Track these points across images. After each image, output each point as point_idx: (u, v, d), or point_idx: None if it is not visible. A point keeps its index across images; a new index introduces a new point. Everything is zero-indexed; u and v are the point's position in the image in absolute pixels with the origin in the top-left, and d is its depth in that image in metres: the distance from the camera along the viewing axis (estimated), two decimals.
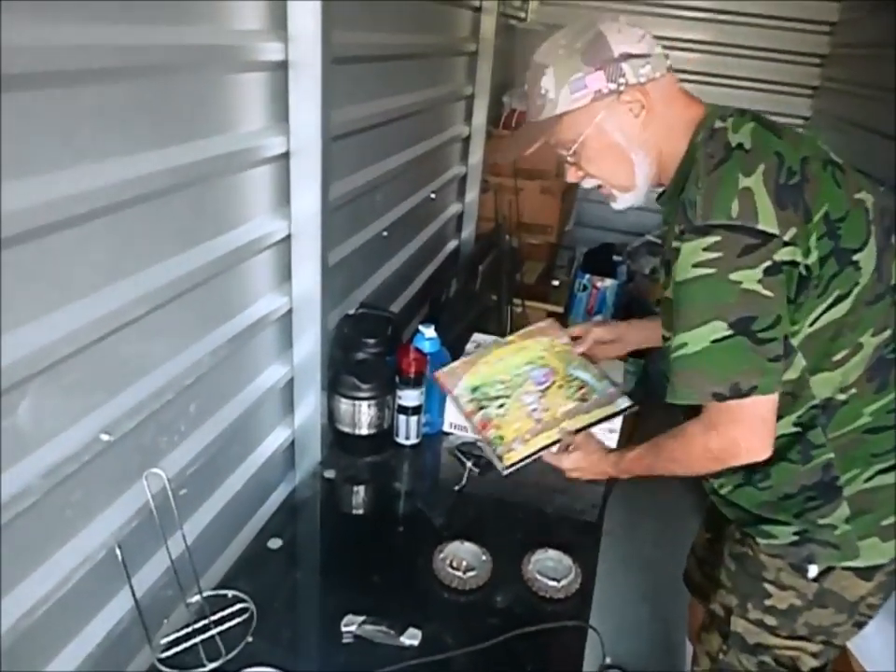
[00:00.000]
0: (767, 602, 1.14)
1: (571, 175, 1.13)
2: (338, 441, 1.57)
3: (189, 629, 1.08)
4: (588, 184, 1.13)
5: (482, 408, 1.32)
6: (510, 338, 1.50)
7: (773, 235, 0.91)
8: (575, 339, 1.50)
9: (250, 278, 1.29)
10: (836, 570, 1.09)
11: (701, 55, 3.33)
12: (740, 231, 0.91)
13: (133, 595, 1.00)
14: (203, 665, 1.03)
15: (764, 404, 0.96)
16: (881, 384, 1.03)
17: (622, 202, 1.12)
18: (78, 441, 0.89)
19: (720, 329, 0.92)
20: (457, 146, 2.61)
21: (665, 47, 1.06)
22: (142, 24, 0.89)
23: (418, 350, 1.52)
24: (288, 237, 1.32)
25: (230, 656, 1.04)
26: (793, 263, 0.93)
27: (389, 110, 1.70)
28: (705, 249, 0.92)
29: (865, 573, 1.09)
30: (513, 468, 1.21)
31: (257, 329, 1.30)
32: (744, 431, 0.98)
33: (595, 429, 1.34)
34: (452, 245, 2.71)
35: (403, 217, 1.98)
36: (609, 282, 2.97)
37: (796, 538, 1.09)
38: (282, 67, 1.19)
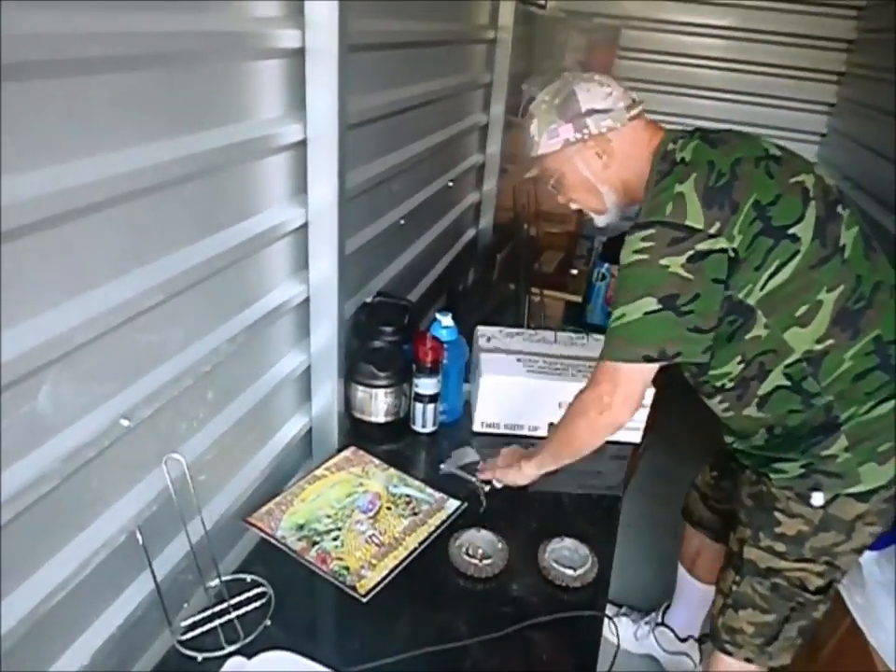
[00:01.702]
0: (777, 530, 1.29)
1: (560, 199, 1.39)
2: (354, 429, 1.57)
3: (209, 613, 1.10)
4: (572, 206, 1.39)
5: (315, 543, 1.25)
6: (320, 471, 1.45)
7: (697, 230, 1.10)
8: None
9: (267, 267, 1.30)
10: (839, 497, 1.23)
11: (724, 41, 3.27)
12: (670, 226, 1.11)
13: (154, 578, 1.02)
14: (223, 648, 1.04)
15: (646, 370, 1.16)
16: (853, 332, 1.18)
17: (599, 220, 1.39)
18: (98, 427, 0.90)
19: (651, 303, 1.11)
20: (475, 134, 2.60)
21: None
22: (158, 11, 0.89)
23: (435, 338, 1.52)
24: (305, 225, 1.32)
25: (248, 639, 1.06)
26: (721, 250, 1.11)
27: (406, 98, 1.69)
28: (642, 240, 1.12)
29: (862, 496, 1.23)
30: (372, 593, 1.16)
31: (274, 317, 1.31)
32: (616, 388, 1.17)
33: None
34: (470, 234, 2.70)
35: (421, 205, 1.97)
36: None
37: (803, 470, 1.24)
38: (299, 54, 1.19)
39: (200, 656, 1.03)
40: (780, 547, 1.29)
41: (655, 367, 1.16)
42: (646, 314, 1.11)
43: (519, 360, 1.65)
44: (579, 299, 2.78)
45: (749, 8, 3.21)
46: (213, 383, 1.17)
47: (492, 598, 1.20)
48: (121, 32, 0.83)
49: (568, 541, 1.29)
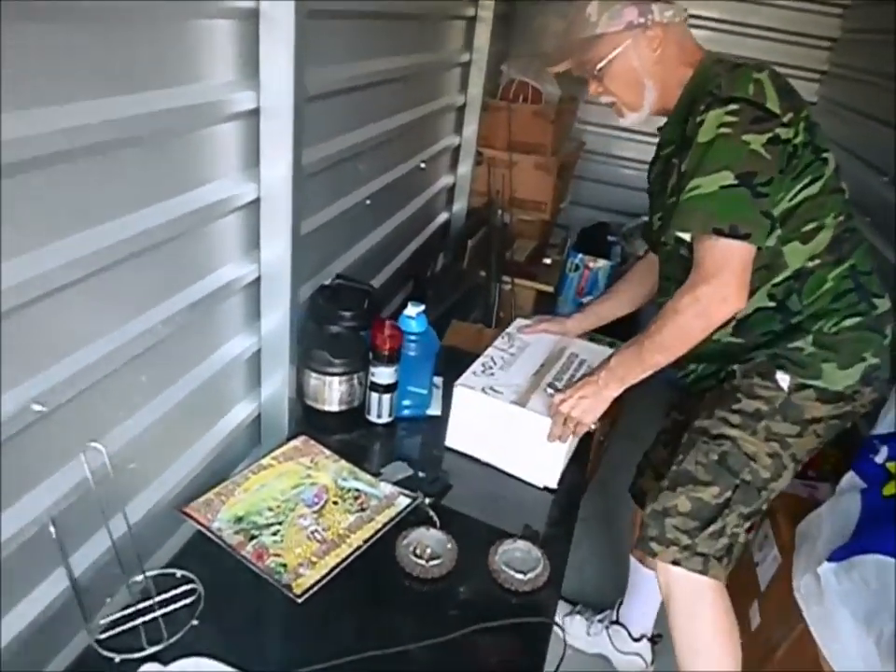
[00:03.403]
0: (735, 406, 1.31)
1: (592, 89, 1.35)
2: (307, 417, 1.50)
3: (132, 610, 1.03)
4: (604, 99, 1.36)
5: (253, 537, 1.19)
6: (266, 460, 1.37)
7: (776, 114, 1.15)
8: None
9: (214, 243, 1.22)
10: (804, 389, 1.27)
11: (710, 32, 3.21)
12: (753, 105, 1.15)
13: (70, 573, 0.95)
14: (144, 649, 0.97)
15: (749, 253, 1.16)
16: (839, 256, 1.27)
17: (628, 119, 1.36)
18: (6, 412, 0.82)
19: (728, 177, 1.13)
20: (451, 115, 2.52)
21: None
22: None
23: (394, 326, 1.45)
24: (257, 201, 1.24)
25: (172, 640, 0.99)
26: (786, 141, 1.16)
27: (373, 73, 1.61)
28: (727, 114, 1.15)
29: (825, 395, 1.28)
30: (309, 593, 1.09)
31: (221, 296, 1.24)
32: (731, 276, 1.15)
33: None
34: (442, 218, 2.62)
35: (389, 186, 1.89)
36: (601, 262, 2.88)
37: (768, 358, 1.30)
38: (252, 16, 1.10)
39: (117, 657, 0.96)
40: (735, 419, 1.30)
41: (753, 250, 1.15)
42: (721, 187, 1.13)
43: (526, 375, 1.48)
44: (550, 288, 2.73)
45: (736, 1, 3.16)
46: (149, 365, 1.10)
47: (438, 601, 1.14)
48: None
49: (521, 543, 1.24)
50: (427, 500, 1.33)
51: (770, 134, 1.14)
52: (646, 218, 3.24)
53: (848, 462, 1.53)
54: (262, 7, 1.10)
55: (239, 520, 1.23)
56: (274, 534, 1.21)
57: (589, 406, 1.31)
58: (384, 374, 1.45)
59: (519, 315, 2.71)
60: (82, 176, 0.89)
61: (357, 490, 1.34)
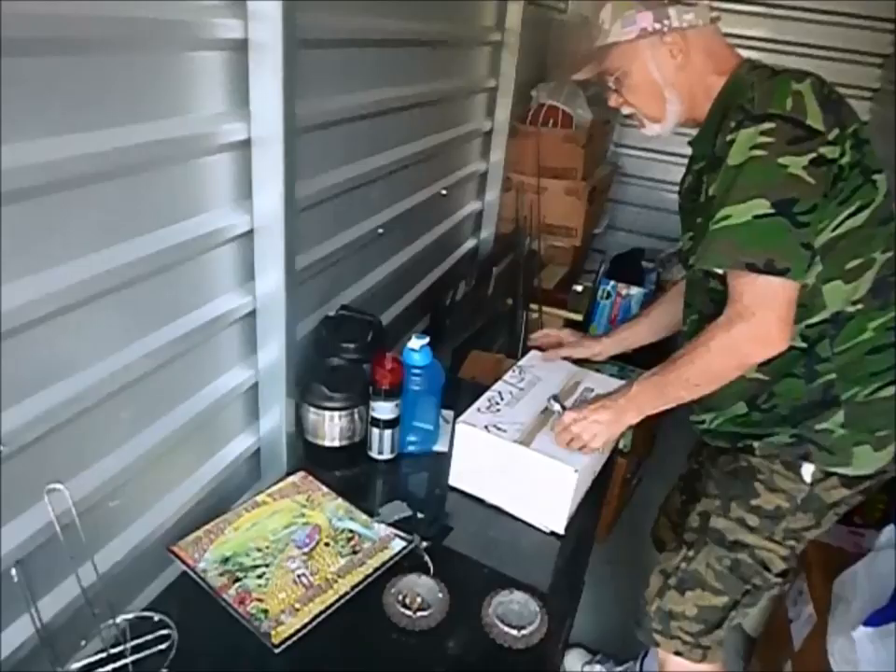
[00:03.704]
0: (753, 502, 1.20)
1: (612, 101, 1.26)
2: (307, 453, 1.47)
3: (104, 655, 0.99)
4: (625, 110, 1.26)
5: (237, 580, 1.12)
6: (262, 497, 1.32)
7: (818, 132, 1.01)
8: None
9: (207, 274, 1.20)
10: (830, 478, 1.16)
11: (755, 52, 3.10)
12: (791, 122, 1.01)
13: (36, 617, 0.92)
14: None
15: (792, 289, 1.03)
16: (884, 301, 1.12)
17: (650, 130, 1.26)
18: None
19: (763, 205, 1.00)
20: (478, 141, 2.48)
21: None
22: None
23: (395, 359, 1.41)
24: (251, 232, 1.22)
25: None
26: (832, 161, 1.02)
27: (378, 101, 1.57)
28: (761, 133, 1.02)
29: (849, 481, 1.17)
30: (288, 642, 1.03)
31: (215, 328, 1.22)
32: (773, 315, 1.04)
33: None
34: (468, 245, 2.58)
35: (405, 214, 1.86)
36: (635, 290, 2.78)
37: (793, 439, 1.16)
38: (241, 47, 1.09)
39: None
40: (753, 521, 1.20)
41: (797, 286, 1.03)
42: (756, 217, 1.01)
43: (534, 412, 1.40)
44: (579, 317, 2.64)
45: (782, 19, 3.05)
46: (132, 400, 1.08)
47: (424, 656, 1.08)
48: (48, 14, 0.76)
49: (518, 594, 1.17)
50: (424, 543, 1.26)
51: (813, 155, 1.00)
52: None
53: None
54: (252, 36, 1.08)
55: (225, 560, 1.19)
56: (260, 576, 1.16)
57: (601, 431, 1.25)
58: (384, 409, 1.40)
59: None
60: (69, 207, 0.88)
61: (352, 531, 1.28)
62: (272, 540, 1.24)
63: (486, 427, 1.35)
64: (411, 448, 1.52)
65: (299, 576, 1.17)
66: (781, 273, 1.01)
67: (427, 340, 1.45)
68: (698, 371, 1.13)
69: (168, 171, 1.06)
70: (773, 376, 1.17)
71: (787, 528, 1.19)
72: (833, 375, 1.13)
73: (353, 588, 1.16)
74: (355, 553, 1.24)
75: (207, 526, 1.25)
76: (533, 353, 1.67)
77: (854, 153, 1.05)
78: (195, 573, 1.15)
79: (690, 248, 1.27)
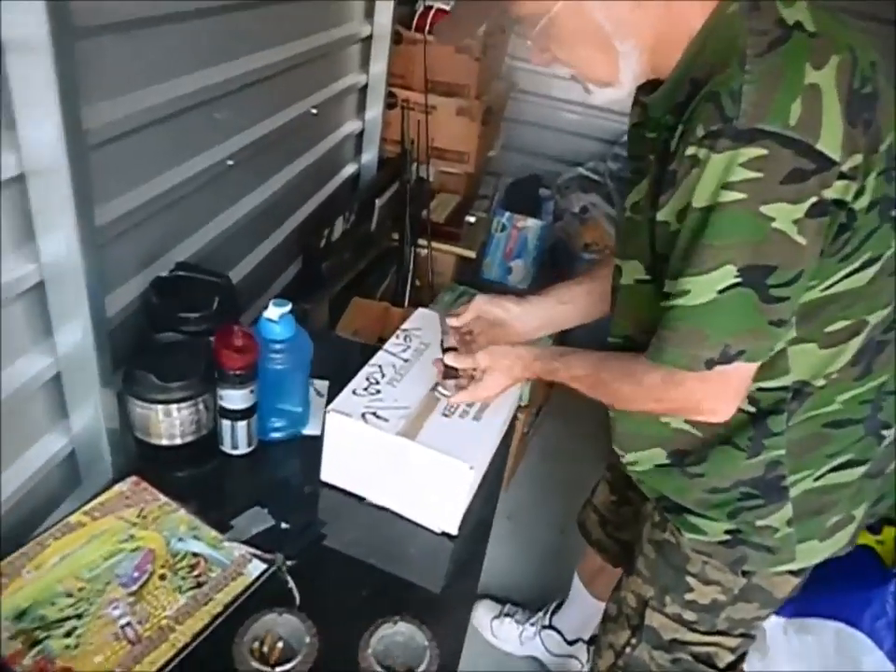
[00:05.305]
0: (688, 596, 1.05)
1: (535, 57, 0.86)
2: (141, 452, 1.17)
3: None
4: (559, 71, 0.88)
5: (36, 642, 0.86)
6: (76, 516, 1.04)
7: (831, 161, 0.68)
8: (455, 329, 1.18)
9: None
10: (772, 572, 1.00)
11: None
12: (793, 146, 0.67)
13: None
14: None
15: (744, 371, 0.81)
16: (864, 369, 0.88)
17: (599, 96, 0.87)
18: None
19: (728, 275, 0.72)
20: (355, 48, 2.12)
21: None
22: None
23: (246, 334, 1.12)
24: (21, 178, 0.87)
25: None
26: (841, 204, 0.72)
27: None
28: (742, 165, 0.68)
29: (797, 572, 1.00)
30: None
31: None
32: (710, 394, 0.83)
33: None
34: (348, 172, 2.25)
35: (263, 139, 1.52)
36: (531, 222, 2.57)
37: (727, 537, 0.97)
38: None
39: None
40: (690, 616, 1.06)
41: (756, 365, 0.80)
42: (720, 292, 0.73)
43: (422, 390, 1.17)
44: (472, 254, 2.41)
45: None
46: None
47: None
48: None
49: (403, 626, 0.97)
50: (288, 563, 1.03)
51: (813, 199, 0.69)
52: (583, 170, 2.94)
53: None
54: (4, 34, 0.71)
55: (21, 615, 0.90)
56: (69, 634, 0.89)
57: (499, 381, 1.07)
58: (234, 398, 1.12)
59: (440, 283, 2.42)
60: None
61: (196, 554, 1.03)
62: (87, 579, 0.97)
63: (363, 415, 1.11)
64: (275, 435, 1.26)
65: (123, 627, 0.91)
66: (734, 359, 0.77)
67: (287, 307, 1.17)
68: (620, 396, 0.95)
69: None
70: (707, 437, 0.94)
71: (730, 618, 1.04)
72: (782, 452, 0.89)
73: (195, 637, 0.92)
74: (199, 585, 0.99)
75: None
76: (420, 311, 1.43)
77: (879, 184, 0.74)
78: None
79: (627, 229, 0.94)
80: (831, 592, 1.15)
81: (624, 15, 0.77)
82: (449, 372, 1.12)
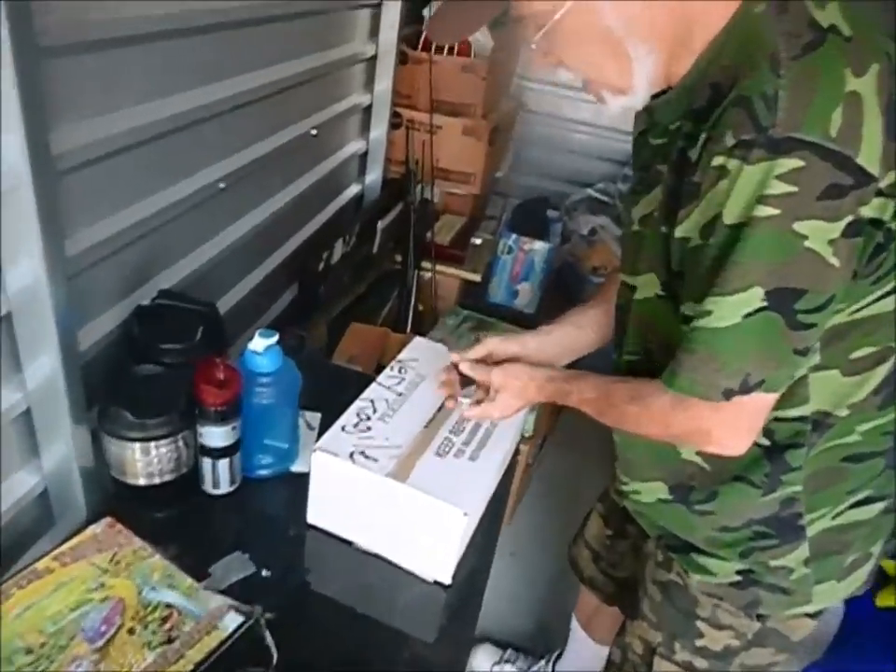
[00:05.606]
0: (699, 643, 0.99)
1: (539, 62, 0.79)
2: (117, 490, 1.11)
3: None
4: (568, 76, 0.81)
5: None
6: (44, 562, 0.95)
7: (870, 177, 0.63)
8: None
9: None
10: (788, 614, 0.94)
11: None
12: (832, 158, 0.62)
13: None
14: None
15: (761, 403, 0.75)
16: (885, 398, 0.82)
17: (613, 104, 0.80)
18: None
19: (755, 298, 0.67)
20: (359, 68, 2.08)
21: None
22: None
23: (228, 367, 1.06)
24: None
25: None
26: (877, 223, 0.67)
27: (219, 10, 1.16)
28: (779, 177, 0.63)
29: (814, 615, 0.94)
30: None
31: None
32: (721, 423, 0.78)
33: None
34: (350, 193, 2.20)
35: (258, 161, 1.47)
36: (539, 245, 2.50)
37: (739, 577, 0.91)
38: None
39: None
40: (701, 663, 1.00)
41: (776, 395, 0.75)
42: (745, 316, 0.68)
43: (414, 427, 1.11)
44: (477, 277, 2.35)
45: None
46: None
47: None
48: None
49: None
50: (267, 616, 0.96)
51: (850, 218, 0.64)
52: (592, 192, 2.88)
53: None
54: None
55: None
56: None
57: (512, 402, 1.03)
58: (215, 435, 1.06)
59: (444, 307, 2.35)
60: None
61: (169, 605, 0.96)
62: (51, 633, 0.90)
63: (352, 454, 1.04)
64: (261, 472, 1.19)
65: None
66: (752, 389, 0.72)
67: (274, 338, 1.10)
68: (631, 422, 0.89)
69: None
70: (718, 473, 0.88)
71: (744, 664, 0.97)
72: (799, 488, 0.84)
73: None
74: (170, 641, 0.91)
75: None
76: (417, 340, 1.36)
77: None
78: None
79: (634, 247, 0.89)
80: (854, 648, 1.07)
81: (638, 17, 0.71)
82: (465, 381, 1.08)
